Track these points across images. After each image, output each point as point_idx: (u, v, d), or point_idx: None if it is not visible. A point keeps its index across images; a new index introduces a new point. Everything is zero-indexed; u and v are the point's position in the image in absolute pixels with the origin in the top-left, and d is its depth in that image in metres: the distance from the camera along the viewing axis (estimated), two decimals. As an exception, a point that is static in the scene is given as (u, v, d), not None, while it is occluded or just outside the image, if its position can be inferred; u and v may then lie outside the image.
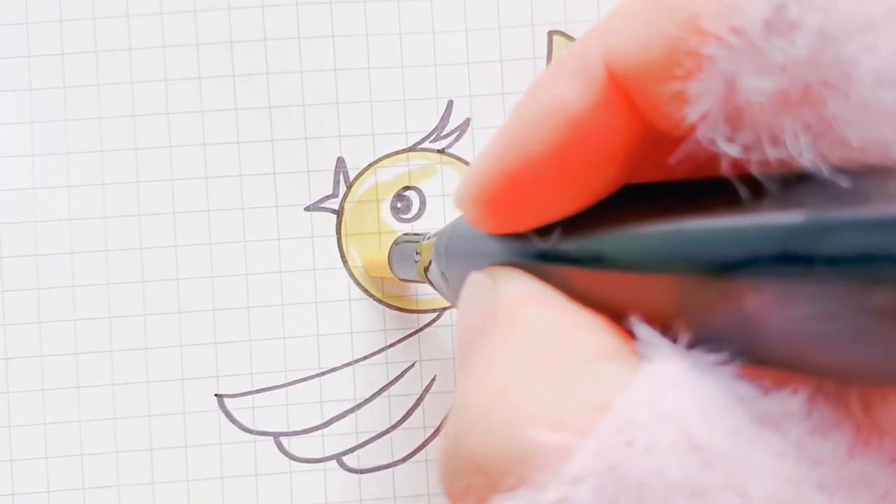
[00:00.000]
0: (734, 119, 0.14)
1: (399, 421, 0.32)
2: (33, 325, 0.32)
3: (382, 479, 0.32)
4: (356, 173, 0.33)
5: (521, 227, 0.17)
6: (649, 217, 0.15)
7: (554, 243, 0.17)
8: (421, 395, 0.32)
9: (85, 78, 0.32)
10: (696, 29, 0.14)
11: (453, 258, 0.20)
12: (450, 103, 0.33)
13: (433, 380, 0.32)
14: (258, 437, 0.32)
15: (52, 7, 0.32)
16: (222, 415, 0.32)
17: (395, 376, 0.32)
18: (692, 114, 0.14)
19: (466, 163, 0.33)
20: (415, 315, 0.33)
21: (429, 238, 0.24)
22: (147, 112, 0.32)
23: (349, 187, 0.33)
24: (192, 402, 0.32)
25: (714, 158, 0.14)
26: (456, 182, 0.33)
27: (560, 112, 0.16)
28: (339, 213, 0.33)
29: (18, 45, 0.32)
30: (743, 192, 0.13)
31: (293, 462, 0.32)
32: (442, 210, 0.33)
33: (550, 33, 0.33)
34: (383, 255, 0.30)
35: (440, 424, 0.32)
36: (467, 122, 0.33)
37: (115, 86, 0.32)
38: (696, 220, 0.14)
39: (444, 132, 0.33)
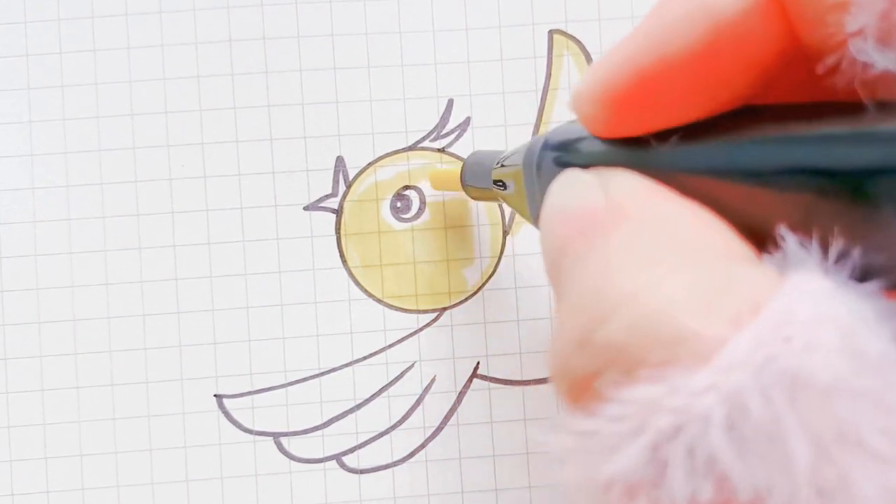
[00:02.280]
0: (886, 38, 0.14)
1: (399, 421, 0.32)
2: (32, 325, 0.32)
3: (382, 479, 0.32)
4: (356, 172, 0.33)
5: (640, 130, 0.17)
6: (781, 127, 0.15)
7: (673, 147, 0.16)
8: (421, 395, 0.32)
9: (83, 77, 0.32)
10: None
11: (549, 165, 0.20)
12: (450, 102, 0.33)
13: (433, 380, 0.32)
14: (258, 438, 0.32)
15: (50, 6, 0.32)
16: (222, 415, 0.32)
17: (395, 376, 0.32)
18: (851, 24, 0.14)
19: (466, 162, 0.33)
20: (415, 315, 0.33)
21: (510, 155, 0.24)
22: (145, 111, 0.32)
23: (349, 187, 0.33)
24: (191, 403, 0.32)
25: (837, 92, 0.14)
26: (457, 181, 0.33)
27: (709, 14, 0.16)
28: (338, 213, 0.33)
29: (16, 44, 0.32)
30: (871, 106, 0.14)
31: (293, 462, 0.32)
32: (442, 210, 0.33)
33: (551, 32, 0.33)
34: (454, 170, 0.30)
35: (440, 424, 0.32)
36: (467, 121, 0.33)
37: (113, 85, 0.32)
38: (830, 127, 0.14)
39: (445, 131, 0.33)
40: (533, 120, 0.33)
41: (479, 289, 0.33)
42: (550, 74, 0.33)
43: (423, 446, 0.32)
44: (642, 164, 0.17)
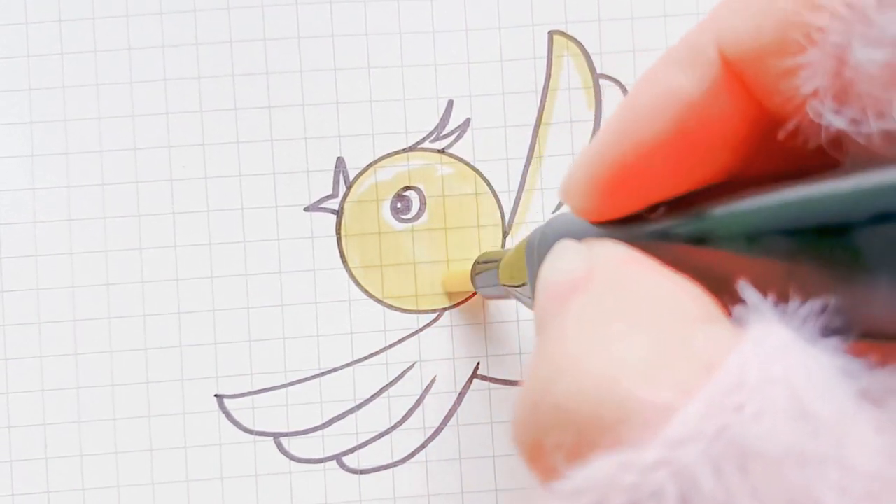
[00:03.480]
0: (842, 96, 0.14)
1: (399, 421, 0.32)
2: (33, 325, 0.32)
3: (382, 480, 0.32)
4: (356, 173, 0.33)
5: (628, 211, 0.18)
6: (757, 191, 0.15)
7: (657, 220, 0.17)
8: (421, 395, 0.32)
9: (84, 78, 0.32)
10: (810, 3, 0.14)
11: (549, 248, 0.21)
12: (450, 103, 0.33)
13: (433, 380, 0.32)
14: (258, 438, 0.32)
15: (51, 7, 0.32)
16: (222, 415, 0.32)
17: (395, 377, 0.32)
18: (805, 87, 0.14)
19: (466, 163, 0.33)
20: (415, 315, 0.33)
21: (505, 258, 0.25)
22: (146, 112, 0.32)
23: (349, 187, 0.33)
24: (191, 403, 0.32)
25: (816, 152, 0.15)
26: (456, 181, 0.33)
27: (674, 100, 0.16)
28: (338, 214, 0.33)
29: (17, 45, 0.32)
30: (845, 160, 0.14)
31: (293, 462, 0.32)
32: (442, 210, 0.33)
33: (551, 33, 0.33)
34: (464, 272, 0.31)
35: (440, 425, 0.32)
36: (467, 122, 0.33)
37: (114, 86, 0.32)
38: (805, 188, 0.14)
39: (445, 132, 0.33)
40: (533, 121, 0.33)
41: (480, 289, 0.33)
42: (550, 75, 0.33)
43: (423, 447, 0.32)
44: (630, 236, 0.17)
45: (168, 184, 0.32)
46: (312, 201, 0.33)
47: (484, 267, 0.29)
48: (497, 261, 0.28)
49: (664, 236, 0.17)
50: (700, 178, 0.17)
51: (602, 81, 0.33)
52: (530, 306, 0.24)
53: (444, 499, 0.32)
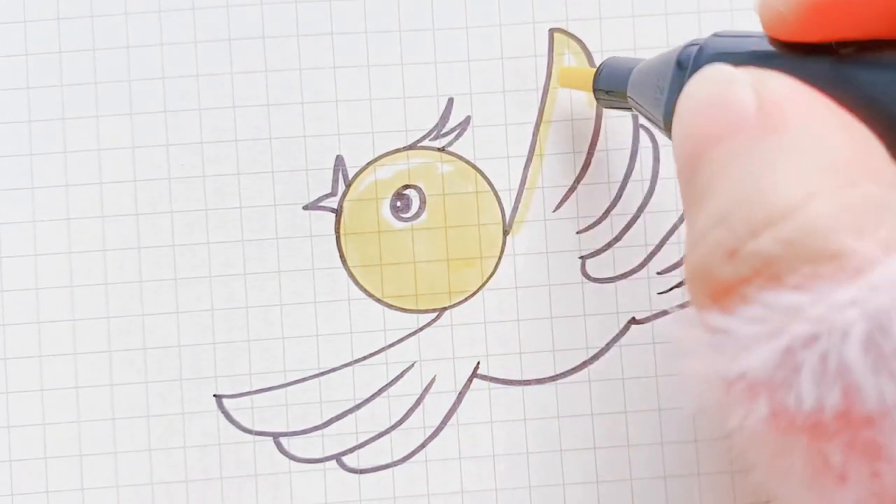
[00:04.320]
0: None
1: (399, 421, 0.32)
2: (31, 325, 0.32)
3: (382, 479, 0.32)
4: (355, 172, 0.33)
5: (823, 37, 0.17)
6: None
7: (845, 60, 0.16)
8: (421, 395, 0.32)
9: (82, 76, 0.32)
10: None
11: (708, 59, 0.19)
12: (450, 101, 0.33)
13: (433, 380, 0.32)
14: (257, 438, 0.32)
15: (49, 5, 0.32)
16: (221, 415, 0.32)
17: (394, 376, 0.32)
18: None
19: (467, 161, 0.33)
20: (415, 315, 0.32)
21: (653, 61, 0.24)
22: (144, 110, 0.32)
23: (348, 186, 0.33)
24: (190, 403, 0.32)
25: None
26: (456, 179, 0.33)
27: None
28: (338, 212, 0.33)
29: (15, 43, 0.32)
30: None
31: (293, 462, 0.32)
32: (442, 209, 0.33)
33: (551, 31, 0.33)
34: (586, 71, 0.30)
35: (440, 424, 0.32)
36: (468, 119, 0.33)
37: (112, 84, 0.32)
38: None
39: (445, 130, 0.33)
40: (533, 119, 0.33)
41: (480, 288, 0.33)
42: (551, 73, 0.33)
43: (423, 446, 0.32)
44: (808, 73, 0.17)
45: (166, 182, 0.32)
46: (311, 200, 0.32)
47: (611, 72, 0.28)
48: (629, 66, 0.26)
49: (851, 82, 0.16)
50: None
51: (603, 79, 0.33)
52: (659, 124, 0.23)
53: (444, 499, 0.32)
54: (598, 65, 0.30)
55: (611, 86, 0.28)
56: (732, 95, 0.17)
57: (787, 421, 0.14)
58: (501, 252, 0.33)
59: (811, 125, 0.16)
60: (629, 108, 0.27)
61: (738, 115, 0.16)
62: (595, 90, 0.30)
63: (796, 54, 0.17)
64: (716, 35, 0.20)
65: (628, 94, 0.26)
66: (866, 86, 0.16)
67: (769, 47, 0.18)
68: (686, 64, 0.20)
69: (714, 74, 0.17)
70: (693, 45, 0.21)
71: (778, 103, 0.16)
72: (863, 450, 0.13)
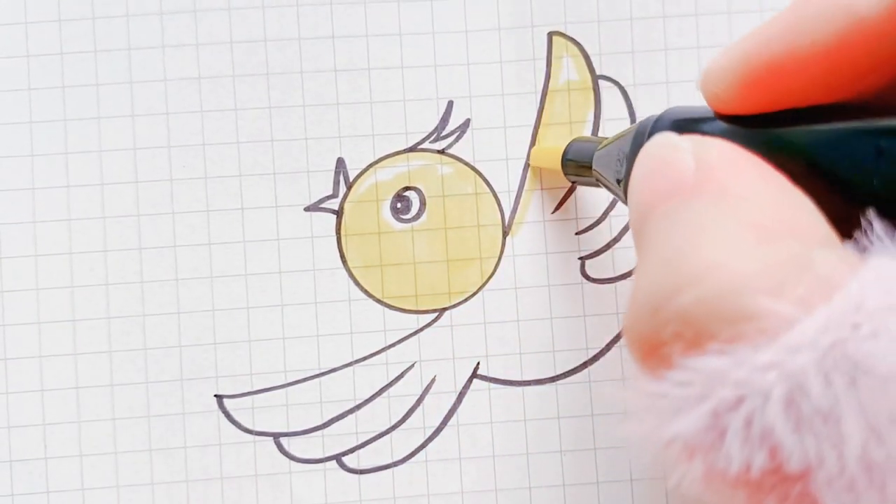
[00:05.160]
0: None
1: (399, 421, 0.32)
2: (32, 325, 0.32)
3: (382, 480, 0.32)
4: (356, 174, 0.33)
5: (761, 110, 0.18)
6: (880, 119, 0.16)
7: (784, 126, 0.17)
8: (421, 395, 0.32)
9: (84, 78, 0.32)
10: None
11: (662, 129, 0.21)
12: (450, 104, 0.33)
13: (433, 380, 0.32)
14: (258, 438, 0.32)
15: (50, 6, 0.32)
16: (222, 415, 0.32)
17: (394, 377, 0.32)
18: None
19: (466, 163, 0.33)
20: (415, 315, 0.33)
21: (614, 139, 0.25)
22: (146, 112, 0.32)
23: (349, 188, 0.33)
24: (191, 403, 0.32)
25: None
26: (456, 181, 0.33)
27: (847, 13, 0.16)
28: (338, 214, 0.33)
29: (17, 45, 0.32)
30: None
31: (293, 462, 0.32)
32: (442, 210, 0.33)
33: (550, 34, 0.33)
34: (555, 150, 0.31)
35: (440, 425, 0.32)
36: (467, 122, 0.33)
37: (114, 86, 0.32)
38: None
39: (445, 133, 0.33)
40: (533, 121, 0.33)
41: (480, 289, 0.33)
42: (550, 76, 0.33)
43: (423, 446, 0.32)
44: (748, 140, 0.17)
45: (168, 184, 0.32)
46: (312, 201, 0.33)
47: (579, 148, 0.29)
48: (595, 143, 0.27)
49: (786, 146, 0.17)
50: (846, 92, 0.17)
51: (602, 82, 0.33)
52: (620, 196, 0.24)
53: (444, 499, 0.32)
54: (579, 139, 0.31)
55: (578, 162, 0.29)
56: (673, 160, 0.17)
57: (723, 479, 0.14)
58: (501, 253, 0.33)
59: (742, 187, 0.16)
60: (597, 184, 0.28)
61: (676, 178, 0.17)
62: (563, 166, 0.30)
63: (739, 123, 0.18)
64: (670, 108, 0.21)
65: (593, 168, 0.27)
66: (803, 150, 0.17)
67: (715, 117, 0.19)
68: (642, 135, 0.21)
69: (660, 141, 0.18)
70: (650, 117, 0.22)
71: (713, 166, 0.17)
72: (799, 503, 0.14)
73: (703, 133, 0.18)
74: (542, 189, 0.33)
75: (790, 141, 0.17)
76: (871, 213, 0.15)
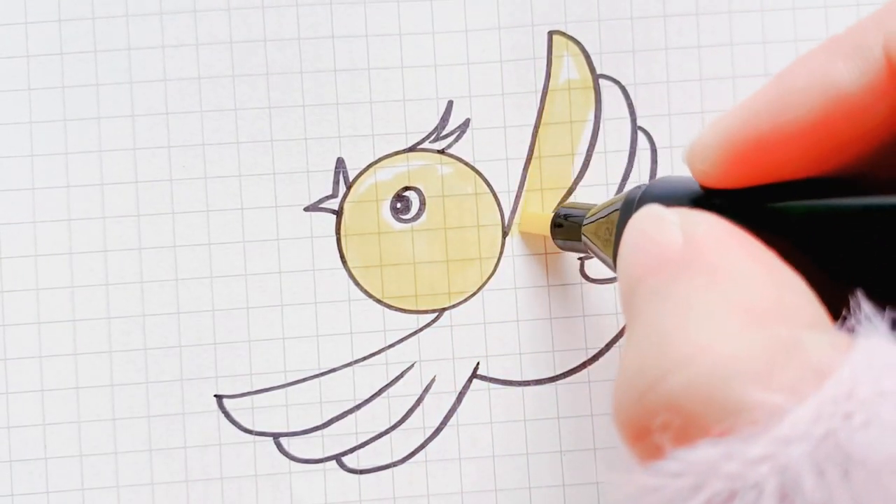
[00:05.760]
0: None
1: (399, 421, 0.32)
2: (32, 325, 0.32)
3: (382, 480, 0.32)
4: (356, 174, 0.33)
5: (747, 183, 0.18)
6: (866, 197, 0.16)
7: (772, 200, 0.17)
8: (421, 395, 0.32)
9: (84, 78, 0.32)
10: None
11: (650, 200, 0.21)
12: (450, 104, 0.33)
13: (433, 380, 0.32)
14: (258, 438, 0.32)
15: (50, 6, 0.32)
16: (221, 415, 0.32)
17: (394, 377, 0.32)
18: None
19: (466, 163, 0.33)
20: (415, 315, 0.33)
21: (602, 208, 0.25)
22: (146, 112, 0.32)
23: (349, 188, 0.33)
24: (191, 403, 0.32)
25: None
26: (456, 181, 0.33)
27: (828, 88, 0.16)
28: (338, 214, 0.33)
29: (17, 45, 0.32)
30: None
31: (293, 462, 0.32)
32: (442, 210, 0.33)
33: (550, 33, 0.33)
34: (544, 216, 0.31)
35: (440, 425, 0.32)
36: (467, 122, 0.33)
37: (113, 86, 0.32)
38: None
39: (444, 132, 0.33)
40: (533, 121, 0.33)
41: (479, 289, 0.33)
42: (550, 75, 0.33)
43: (422, 446, 0.32)
44: (737, 213, 0.17)
45: (168, 184, 0.32)
46: (312, 201, 0.33)
47: (567, 216, 0.29)
48: (584, 211, 0.27)
49: (774, 221, 0.17)
50: (831, 166, 0.17)
51: (602, 81, 0.33)
52: (610, 264, 0.24)
53: (444, 499, 0.32)
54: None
55: (567, 230, 0.29)
56: (660, 234, 0.17)
57: None
58: (501, 253, 0.33)
59: (730, 265, 0.16)
60: (586, 251, 0.28)
61: (664, 253, 0.17)
62: (553, 234, 0.30)
63: (727, 196, 0.18)
64: (659, 179, 0.21)
65: (582, 235, 0.27)
66: (791, 225, 0.17)
67: (703, 190, 0.19)
68: (631, 205, 0.21)
69: (647, 214, 0.18)
70: (639, 187, 0.22)
71: (701, 242, 0.17)
72: None
73: (691, 206, 0.18)
74: (542, 189, 0.33)
75: (778, 216, 0.17)
76: (859, 294, 0.14)
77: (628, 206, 0.22)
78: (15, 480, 0.31)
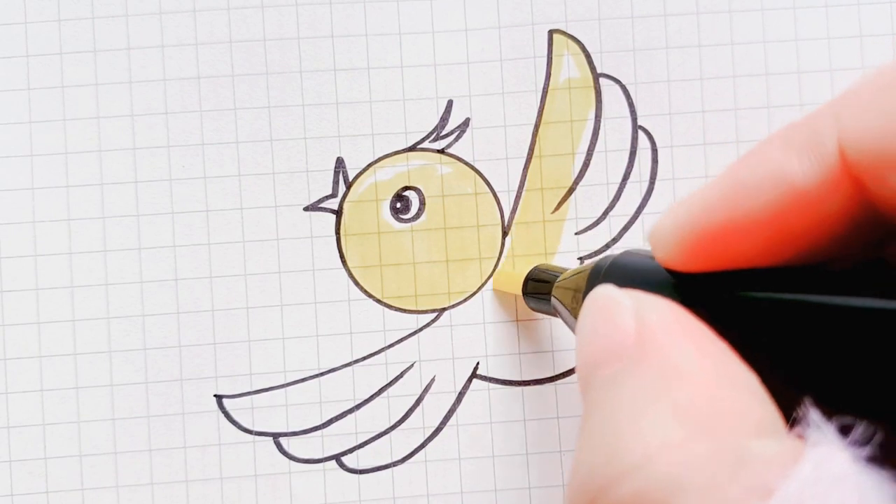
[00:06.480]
0: None
1: (398, 421, 0.32)
2: (32, 325, 0.32)
3: (382, 480, 0.32)
4: (356, 173, 0.33)
5: (708, 269, 0.18)
6: (808, 291, 0.16)
7: (732, 285, 0.17)
8: (420, 395, 0.32)
9: (83, 77, 0.32)
10: None
11: (614, 276, 0.21)
12: (449, 103, 0.33)
13: (433, 380, 0.32)
14: (257, 438, 0.32)
15: (50, 6, 0.32)
16: (221, 415, 0.32)
17: (394, 377, 0.32)
18: None
19: (466, 163, 0.33)
20: (414, 315, 0.33)
21: (571, 276, 0.25)
22: (145, 112, 0.32)
23: (348, 187, 0.33)
24: (191, 403, 0.32)
25: None
26: (455, 181, 0.33)
27: (782, 182, 0.16)
28: (338, 213, 0.33)
29: (16, 45, 0.32)
30: None
31: (292, 462, 0.32)
32: (441, 210, 0.33)
33: (551, 32, 0.33)
34: (517, 276, 0.31)
35: (439, 425, 0.32)
36: (467, 122, 0.33)
37: (113, 85, 0.32)
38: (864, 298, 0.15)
39: (444, 132, 0.33)
40: (533, 120, 0.33)
41: (479, 289, 0.33)
42: (550, 74, 0.33)
43: (422, 446, 0.32)
44: (695, 299, 0.18)
45: (167, 183, 0.32)
46: (312, 201, 0.33)
47: (539, 277, 0.29)
48: (556, 274, 0.27)
49: (729, 310, 0.17)
50: (787, 255, 0.17)
51: (602, 80, 0.33)
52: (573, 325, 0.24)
53: (444, 499, 0.32)
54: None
55: (538, 292, 0.29)
56: (614, 321, 0.17)
57: None
58: (500, 253, 0.33)
59: (681, 361, 0.16)
60: (555, 314, 0.28)
61: (617, 341, 0.17)
62: (525, 294, 0.30)
63: (691, 279, 0.18)
64: (627, 252, 0.21)
65: (552, 299, 0.27)
66: (747, 313, 0.17)
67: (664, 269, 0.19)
68: (598, 276, 0.22)
69: (602, 295, 0.18)
70: (607, 258, 0.22)
71: (654, 332, 0.17)
72: None
73: (653, 288, 0.18)
74: (542, 189, 0.33)
75: (737, 303, 0.17)
76: (808, 399, 0.14)
77: (594, 276, 0.22)
78: (15, 480, 0.31)
